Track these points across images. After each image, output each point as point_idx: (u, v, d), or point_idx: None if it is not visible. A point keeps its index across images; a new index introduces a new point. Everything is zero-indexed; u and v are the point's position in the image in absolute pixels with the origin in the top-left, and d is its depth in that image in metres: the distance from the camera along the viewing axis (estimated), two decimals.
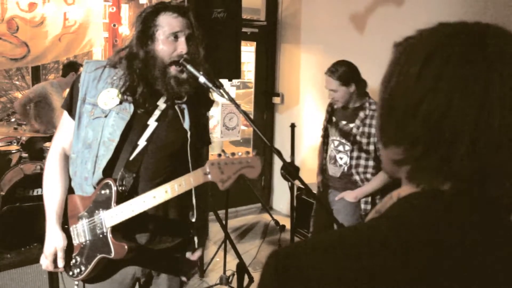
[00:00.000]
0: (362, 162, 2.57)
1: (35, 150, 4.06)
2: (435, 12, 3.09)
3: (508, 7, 2.44)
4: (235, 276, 2.45)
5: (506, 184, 0.51)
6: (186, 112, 1.63)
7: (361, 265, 0.50)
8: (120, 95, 1.55)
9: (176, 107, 1.62)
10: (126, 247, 1.50)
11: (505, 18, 2.50)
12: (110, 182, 1.51)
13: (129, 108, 1.56)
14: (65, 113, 1.66)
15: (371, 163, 2.56)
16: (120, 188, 1.53)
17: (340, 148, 2.64)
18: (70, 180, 1.65)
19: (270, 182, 5.26)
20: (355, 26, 3.89)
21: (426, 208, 0.54)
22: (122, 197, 1.51)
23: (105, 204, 1.51)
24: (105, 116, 1.55)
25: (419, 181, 0.55)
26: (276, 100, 5.08)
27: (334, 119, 2.73)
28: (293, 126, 2.78)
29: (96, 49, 5.07)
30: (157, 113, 1.59)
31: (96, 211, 1.53)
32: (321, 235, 0.56)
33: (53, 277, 2.41)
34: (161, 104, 1.60)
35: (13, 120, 4.70)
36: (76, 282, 1.63)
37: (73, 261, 1.60)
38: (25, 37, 4.10)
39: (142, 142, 1.57)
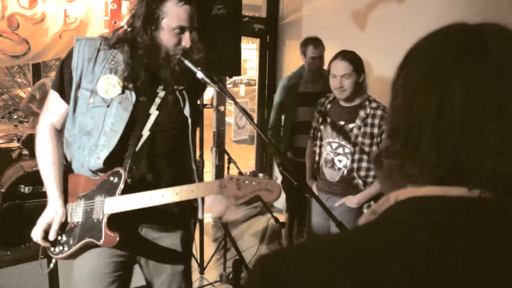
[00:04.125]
0: (364, 164, 2.40)
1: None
2: (436, 9, 3.07)
3: (509, 7, 2.42)
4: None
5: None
6: (186, 98, 1.62)
7: (351, 274, 0.47)
8: (121, 83, 1.52)
9: (177, 93, 1.61)
10: (117, 238, 1.48)
11: (506, 16, 2.49)
12: (121, 171, 1.50)
13: (131, 97, 1.54)
14: (54, 93, 1.60)
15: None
16: (129, 180, 1.52)
17: (340, 150, 2.45)
18: (65, 158, 1.63)
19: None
20: (356, 23, 3.86)
21: (427, 212, 0.50)
22: (129, 188, 1.51)
23: (109, 191, 1.51)
24: (107, 106, 1.52)
25: (415, 178, 0.52)
26: None
27: (328, 119, 2.53)
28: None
29: None
30: (157, 101, 1.58)
31: (98, 196, 1.52)
32: (311, 241, 0.54)
33: (53, 274, 2.41)
34: (161, 91, 1.59)
35: (15, 117, 4.69)
36: (54, 261, 1.63)
37: (59, 238, 1.58)
38: (25, 34, 4.08)
39: (145, 132, 1.56)
